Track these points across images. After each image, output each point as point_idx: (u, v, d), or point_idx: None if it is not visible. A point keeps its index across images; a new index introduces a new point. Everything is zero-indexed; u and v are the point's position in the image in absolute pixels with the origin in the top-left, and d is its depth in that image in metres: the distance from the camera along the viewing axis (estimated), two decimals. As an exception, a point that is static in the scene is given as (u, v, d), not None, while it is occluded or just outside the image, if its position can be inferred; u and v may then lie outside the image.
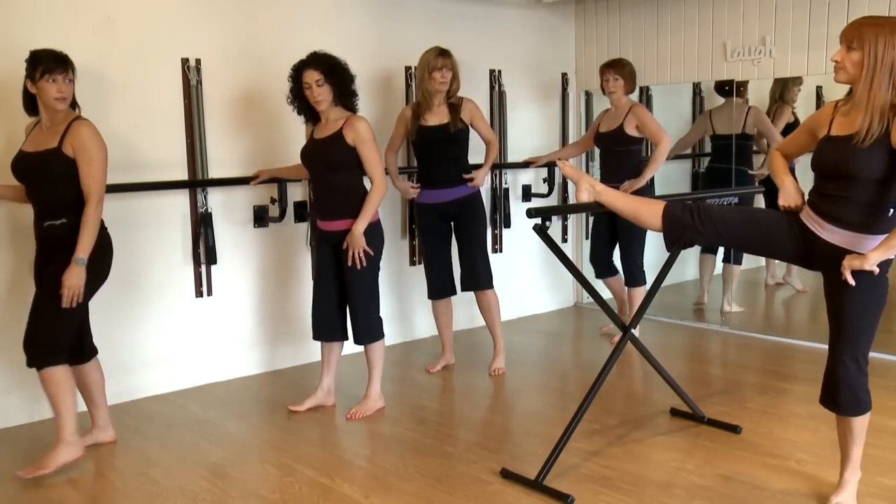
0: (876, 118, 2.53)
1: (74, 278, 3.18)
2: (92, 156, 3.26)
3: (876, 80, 2.52)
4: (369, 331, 3.91)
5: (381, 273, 4.97)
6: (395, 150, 4.62)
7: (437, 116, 4.42)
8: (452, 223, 4.57)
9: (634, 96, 5.77)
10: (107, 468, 3.37)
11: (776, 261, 5.79)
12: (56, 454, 3.26)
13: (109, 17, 3.96)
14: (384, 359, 4.02)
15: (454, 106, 4.41)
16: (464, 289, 4.65)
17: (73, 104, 3.35)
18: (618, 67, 4.90)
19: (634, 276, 5.04)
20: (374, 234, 3.83)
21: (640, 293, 5.02)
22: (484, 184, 4.54)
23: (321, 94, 3.70)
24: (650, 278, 3.60)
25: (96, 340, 4.00)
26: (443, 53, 4.34)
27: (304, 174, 4.10)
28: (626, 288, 5.10)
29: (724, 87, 5.35)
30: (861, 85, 2.56)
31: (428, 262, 4.64)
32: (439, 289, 4.64)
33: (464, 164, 4.50)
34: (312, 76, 3.68)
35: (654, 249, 5.13)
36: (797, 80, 5.25)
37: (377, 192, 3.75)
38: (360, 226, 3.72)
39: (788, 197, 2.83)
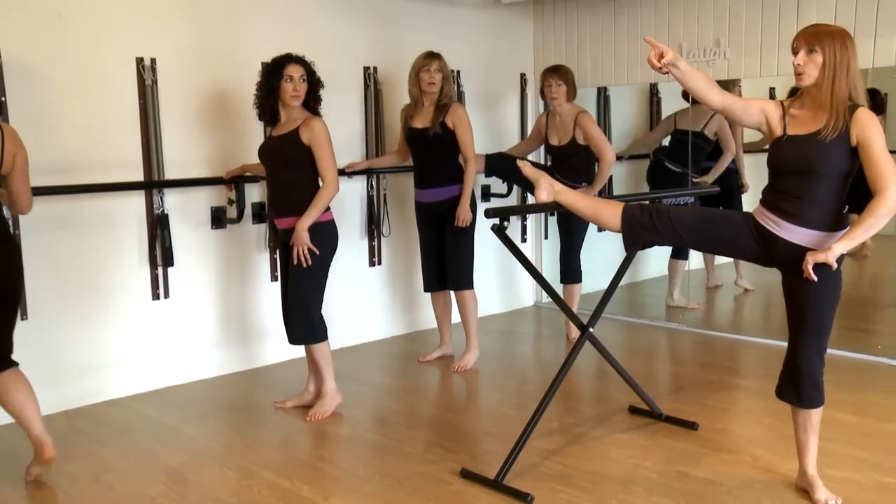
0: (841, 115, 2.64)
1: None
2: (26, 162, 3.13)
3: (837, 79, 2.65)
4: (311, 333, 3.87)
5: (340, 273, 4.97)
6: (396, 151, 4.86)
7: (423, 119, 4.48)
8: (442, 222, 4.62)
9: (592, 96, 5.84)
10: (60, 475, 3.30)
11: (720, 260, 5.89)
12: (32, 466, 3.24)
13: (60, 16, 3.89)
14: (333, 357, 3.99)
15: (439, 109, 4.42)
16: (447, 287, 4.74)
17: None
18: (561, 73, 4.88)
19: (573, 273, 5.11)
20: (323, 233, 3.81)
21: (576, 290, 5.13)
22: (466, 219, 4.47)
23: (300, 90, 3.77)
24: (608, 278, 3.63)
25: (51, 343, 3.95)
26: (431, 55, 4.42)
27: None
28: (562, 285, 5.16)
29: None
30: (824, 86, 2.67)
31: (421, 257, 4.80)
32: (428, 282, 4.79)
33: (451, 166, 4.52)
34: (298, 70, 3.76)
35: (611, 249, 5.20)
36: (736, 82, 5.29)
37: (326, 191, 3.75)
38: (305, 222, 3.71)
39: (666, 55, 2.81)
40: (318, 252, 3.75)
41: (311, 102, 3.83)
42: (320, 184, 3.80)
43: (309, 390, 4.07)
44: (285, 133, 3.79)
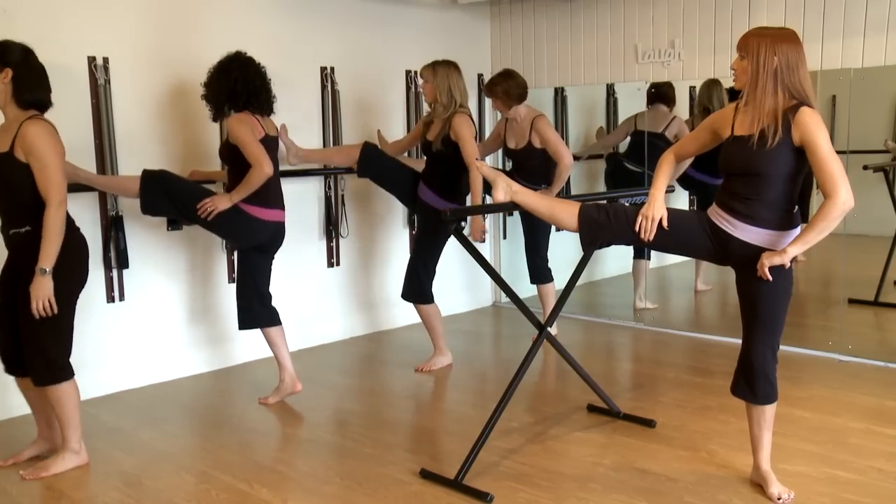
0: (769, 121, 2.66)
1: (38, 289, 3.07)
2: (42, 158, 3.07)
3: (760, 85, 2.68)
4: (246, 319, 4.08)
5: (298, 274, 4.95)
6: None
7: (433, 130, 4.42)
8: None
9: (549, 96, 5.87)
10: (9, 483, 3.24)
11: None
12: (61, 461, 3.31)
13: (5, 11, 3.80)
14: (292, 359, 4.00)
15: (444, 123, 4.33)
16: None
17: (28, 103, 3.15)
18: (491, 91, 4.88)
19: (542, 273, 5.12)
20: (242, 222, 3.87)
21: (549, 290, 5.12)
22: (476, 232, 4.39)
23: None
24: (566, 277, 3.65)
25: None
26: (428, 65, 4.37)
27: None
28: (536, 286, 5.17)
29: (652, 91, 5.42)
30: (748, 90, 2.71)
31: None
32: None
33: (453, 180, 4.42)
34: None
35: (569, 249, 5.23)
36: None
37: (252, 173, 3.74)
38: (234, 195, 3.79)
39: (651, 208, 2.89)
40: (210, 217, 3.79)
41: (226, 103, 3.87)
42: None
43: (282, 379, 4.12)
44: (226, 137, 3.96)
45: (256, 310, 4.01)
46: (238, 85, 3.79)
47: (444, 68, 4.33)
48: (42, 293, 3.07)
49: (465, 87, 4.40)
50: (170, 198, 3.83)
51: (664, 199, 2.93)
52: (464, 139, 4.27)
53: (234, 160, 3.84)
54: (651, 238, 2.88)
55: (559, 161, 4.81)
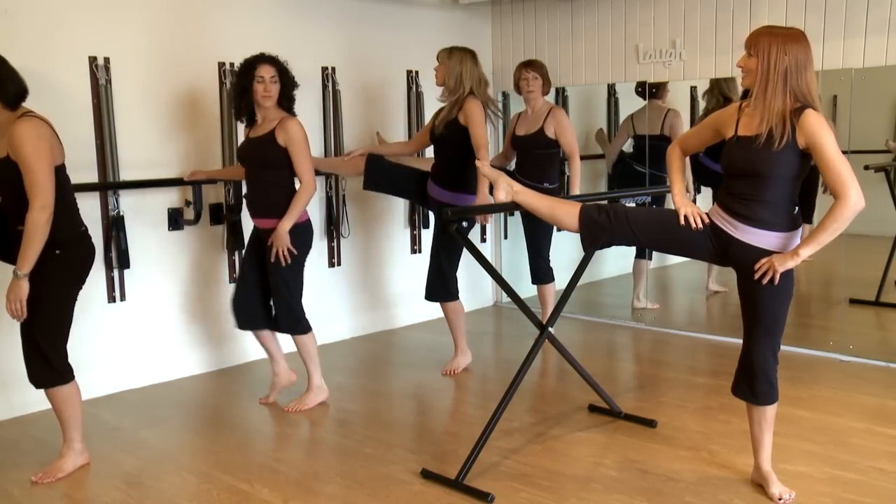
0: (776, 122, 2.65)
1: (12, 292, 3.03)
2: (25, 160, 2.99)
3: (770, 85, 2.66)
4: (294, 323, 3.94)
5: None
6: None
7: (440, 117, 4.39)
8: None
9: (551, 98, 5.87)
10: (10, 483, 3.24)
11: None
12: (70, 461, 3.30)
13: (6, 11, 3.80)
14: (293, 359, 4.00)
15: (452, 107, 4.30)
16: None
17: (15, 97, 3.06)
18: (537, 67, 4.92)
19: (543, 273, 5.11)
20: (301, 232, 3.84)
21: (549, 290, 5.11)
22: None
23: (271, 91, 3.78)
24: (567, 277, 3.65)
25: (3, 348, 3.88)
26: (446, 48, 4.34)
27: (240, 174, 4.06)
28: (535, 286, 5.17)
29: (639, 89, 5.43)
30: (757, 89, 2.68)
31: None
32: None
33: (460, 170, 4.33)
34: (269, 71, 3.77)
35: (570, 249, 5.23)
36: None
37: (304, 193, 3.78)
38: (286, 225, 3.75)
39: (686, 207, 2.90)
40: (296, 252, 3.80)
41: (285, 102, 3.84)
42: (296, 184, 3.84)
43: (277, 373, 4.11)
44: (262, 134, 3.82)
45: (299, 317, 3.94)
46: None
47: (459, 53, 4.31)
48: (15, 296, 3.03)
49: (480, 76, 4.31)
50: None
51: (686, 199, 2.96)
52: (476, 123, 4.18)
53: (275, 163, 3.78)
54: (699, 226, 2.86)
55: (572, 156, 4.83)
